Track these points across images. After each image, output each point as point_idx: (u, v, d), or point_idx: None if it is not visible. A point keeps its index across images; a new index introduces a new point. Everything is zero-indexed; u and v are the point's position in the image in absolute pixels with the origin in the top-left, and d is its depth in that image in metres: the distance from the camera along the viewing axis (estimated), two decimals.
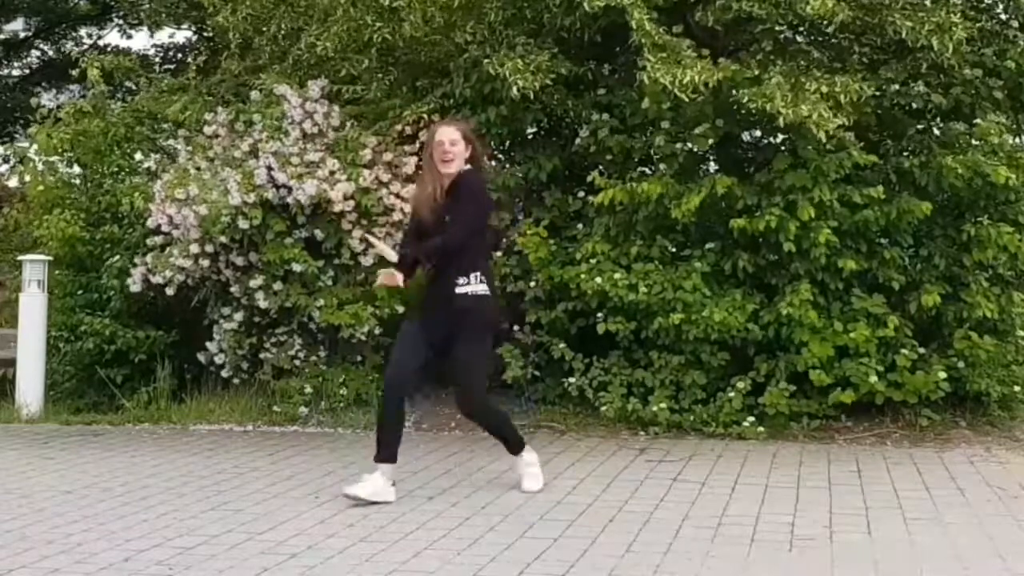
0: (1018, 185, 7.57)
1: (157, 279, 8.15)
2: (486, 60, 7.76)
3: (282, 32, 8.85)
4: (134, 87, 10.41)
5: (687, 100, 7.23)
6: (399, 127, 8.26)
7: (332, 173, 7.89)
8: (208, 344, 8.44)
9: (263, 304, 8.03)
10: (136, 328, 8.68)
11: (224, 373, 8.42)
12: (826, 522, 5.25)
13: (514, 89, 7.49)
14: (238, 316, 8.23)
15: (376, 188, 8.02)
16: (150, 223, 8.20)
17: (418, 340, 5.70)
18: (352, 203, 7.93)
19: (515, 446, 5.99)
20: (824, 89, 7.22)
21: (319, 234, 8.05)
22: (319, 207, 7.97)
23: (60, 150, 9.19)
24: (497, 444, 6.79)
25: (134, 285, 8.33)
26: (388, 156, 8.10)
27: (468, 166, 5.75)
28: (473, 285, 5.61)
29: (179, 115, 8.87)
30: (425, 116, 8.23)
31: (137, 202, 8.40)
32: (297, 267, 7.91)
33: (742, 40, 8.19)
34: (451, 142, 5.66)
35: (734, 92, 7.34)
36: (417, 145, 8.34)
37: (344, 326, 7.97)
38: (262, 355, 8.32)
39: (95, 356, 8.69)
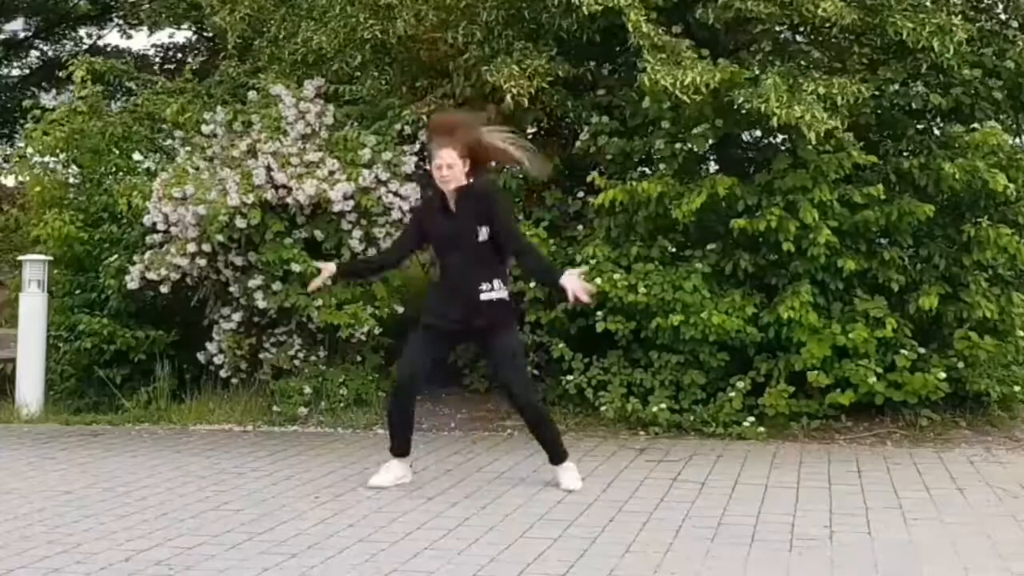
0: (1016, 190, 7.57)
1: (152, 276, 8.14)
2: (485, 68, 7.75)
3: (282, 34, 8.86)
4: (133, 87, 10.41)
5: (688, 101, 7.22)
6: (398, 126, 8.26)
7: (331, 173, 7.88)
8: (207, 344, 8.44)
9: (262, 304, 8.03)
10: (136, 328, 8.67)
11: (223, 373, 8.41)
12: (826, 522, 5.25)
13: (508, 97, 7.49)
14: (237, 316, 8.23)
15: (375, 187, 8.01)
16: (146, 220, 8.19)
17: (430, 342, 5.94)
18: (352, 203, 7.92)
19: (557, 457, 6.05)
20: (821, 90, 7.22)
21: (319, 234, 8.04)
22: (318, 207, 7.97)
23: (55, 150, 9.18)
24: (499, 444, 6.80)
25: (132, 282, 8.31)
26: (387, 155, 8.09)
27: (471, 179, 5.82)
28: (497, 291, 5.80)
29: (176, 116, 8.87)
30: (424, 116, 8.23)
31: (135, 200, 8.38)
32: (296, 267, 7.91)
33: (742, 40, 8.19)
34: (448, 166, 5.76)
35: (731, 93, 7.34)
36: (417, 145, 8.35)
37: (343, 326, 7.97)
38: (261, 355, 8.31)
39: (94, 356, 8.68)
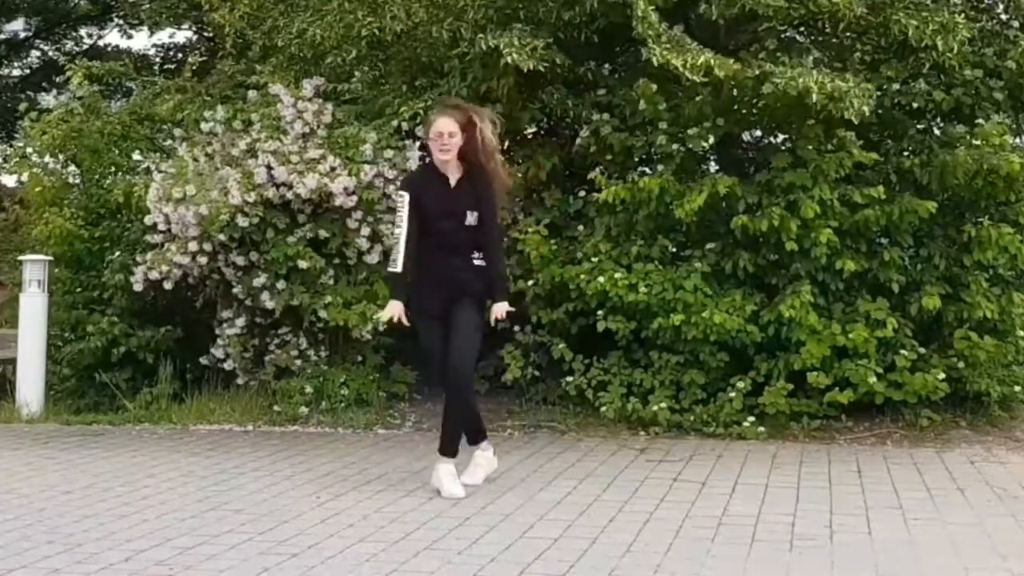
0: (1017, 190, 7.56)
1: (154, 275, 8.14)
2: (480, 37, 7.69)
3: (278, 26, 8.86)
4: (133, 87, 10.43)
5: (698, 81, 7.17)
6: (395, 123, 8.26)
7: (332, 169, 7.88)
8: (212, 349, 8.42)
9: (268, 304, 8.02)
10: (140, 328, 8.66)
11: (240, 380, 8.37)
12: (826, 522, 5.25)
13: (508, 59, 7.40)
14: (240, 320, 8.22)
15: (379, 184, 8.01)
16: (147, 220, 8.18)
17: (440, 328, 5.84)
18: (355, 198, 7.91)
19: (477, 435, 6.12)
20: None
21: (323, 233, 8.03)
22: (320, 205, 7.96)
23: (55, 149, 9.18)
24: (499, 444, 6.77)
25: (137, 284, 8.30)
26: (388, 152, 8.09)
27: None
28: (479, 261, 5.82)
29: (173, 114, 8.86)
30: (421, 112, 8.23)
31: (137, 192, 8.35)
32: (303, 264, 7.89)
33: (742, 40, 8.18)
34: (449, 134, 5.74)
35: (771, 71, 7.25)
36: (418, 143, 8.35)
37: (351, 326, 7.96)
38: (267, 357, 8.31)
39: (99, 357, 8.67)
